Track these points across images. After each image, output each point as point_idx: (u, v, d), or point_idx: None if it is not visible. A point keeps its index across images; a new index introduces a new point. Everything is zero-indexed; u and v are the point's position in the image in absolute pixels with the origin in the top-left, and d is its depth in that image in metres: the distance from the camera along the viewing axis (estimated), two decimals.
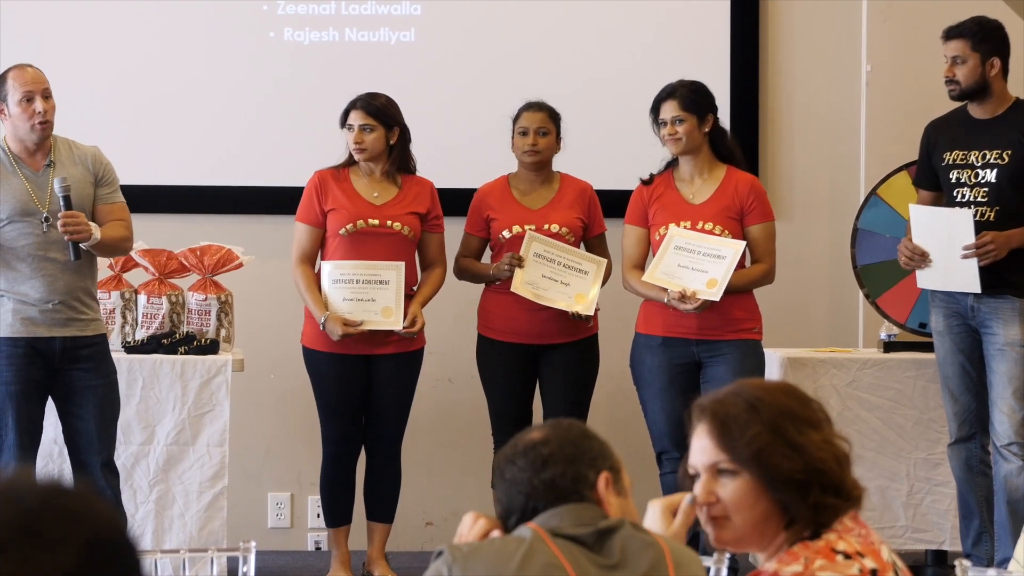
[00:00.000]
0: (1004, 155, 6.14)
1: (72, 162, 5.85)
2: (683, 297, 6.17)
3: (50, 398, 5.87)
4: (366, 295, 6.29)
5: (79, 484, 1.52)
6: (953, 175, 6.22)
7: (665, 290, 6.22)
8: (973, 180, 6.18)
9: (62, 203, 5.71)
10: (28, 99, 5.77)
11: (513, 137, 6.54)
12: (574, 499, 2.69)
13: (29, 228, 5.76)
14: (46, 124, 5.79)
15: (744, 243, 6.28)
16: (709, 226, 6.29)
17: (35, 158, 5.84)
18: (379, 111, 6.35)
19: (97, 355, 5.86)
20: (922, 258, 6.17)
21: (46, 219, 5.75)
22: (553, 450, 2.71)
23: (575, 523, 2.67)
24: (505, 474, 2.73)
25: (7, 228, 5.76)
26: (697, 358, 6.29)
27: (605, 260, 6.46)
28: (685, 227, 6.29)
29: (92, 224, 5.74)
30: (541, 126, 6.50)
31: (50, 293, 5.75)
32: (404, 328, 6.29)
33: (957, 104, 6.29)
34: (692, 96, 6.32)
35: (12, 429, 5.74)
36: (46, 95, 5.81)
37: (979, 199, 6.15)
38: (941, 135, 6.30)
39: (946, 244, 6.10)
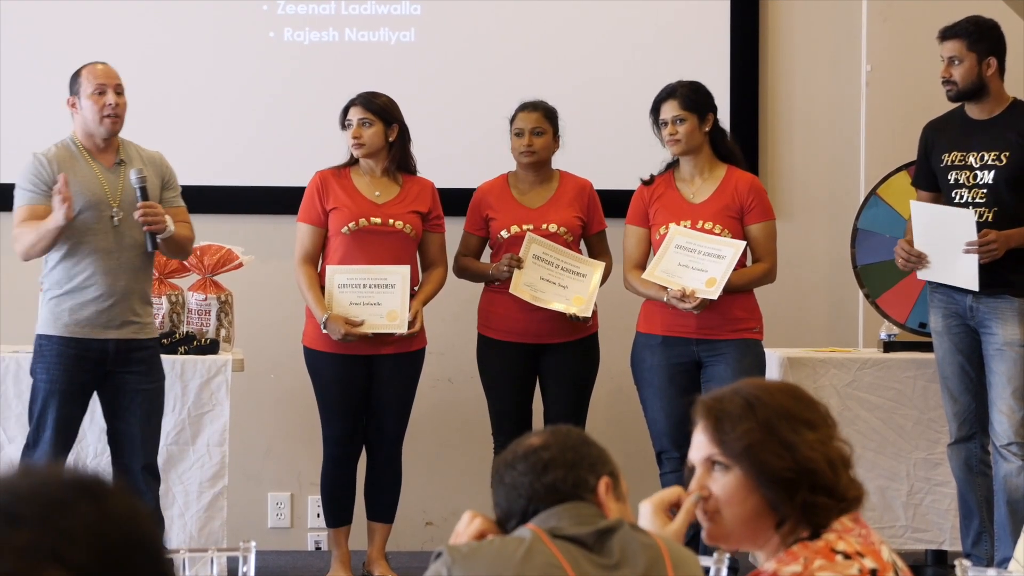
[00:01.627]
0: (1002, 156, 6.14)
1: (141, 163, 5.89)
2: (683, 296, 6.18)
3: (97, 399, 5.88)
4: (372, 299, 6.29)
5: (118, 483, 1.50)
6: (951, 176, 6.21)
7: (665, 289, 6.22)
8: (971, 181, 6.17)
9: (138, 194, 5.75)
10: (100, 92, 5.81)
11: (511, 137, 6.55)
12: (574, 501, 2.70)
13: (97, 222, 5.76)
14: (116, 119, 5.83)
15: (744, 243, 6.28)
16: (709, 225, 6.29)
17: (105, 155, 5.87)
18: (378, 107, 6.35)
19: (150, 359, 5.88)
20: (919, 259, 6.17)
21: (114, 214, 5.76)
22: (554, 455, 2.72)
23: (574, 523, 2.67)
24: (504, 479, 2.74)
25: (76, 219, 5.74)
26: (697, 357, 6.29)
27: (603, 264, 6.46)
28: (685, 226, 6.29)
29: (167, 216, 5.78)
30: (536, 126, 6.50)
31: (111, 293, 5.77)
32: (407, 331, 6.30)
33: (956, 104, 6.30)
34: (692, 96, 6.32)
35: (50, 427, 5.74)
36: (119, 90, 5.86)
37: (977, 200, 6.15)
38: (939, 136, 6.30)
39: (947, 241, 6.10)
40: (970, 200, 6.15)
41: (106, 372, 5.79)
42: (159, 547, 1.50)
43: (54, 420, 5.75)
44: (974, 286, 6.05)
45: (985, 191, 6.14)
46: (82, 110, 5.83)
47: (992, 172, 6.14)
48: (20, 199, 5.81)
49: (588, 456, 2.74)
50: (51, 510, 1.43)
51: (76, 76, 5.88)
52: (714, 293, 6.17)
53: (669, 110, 6.31)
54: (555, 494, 2.70)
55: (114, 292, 5.77)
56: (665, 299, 6.22)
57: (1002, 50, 6.20)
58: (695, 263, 6.22)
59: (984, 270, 6.03)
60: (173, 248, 5.93)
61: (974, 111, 6.24)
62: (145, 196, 5.75)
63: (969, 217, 6.05)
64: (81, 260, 5.76)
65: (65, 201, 5.59)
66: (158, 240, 5.77)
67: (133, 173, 5.76)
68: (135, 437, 5.82)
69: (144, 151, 5.94)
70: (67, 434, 5.81)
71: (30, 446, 5.80)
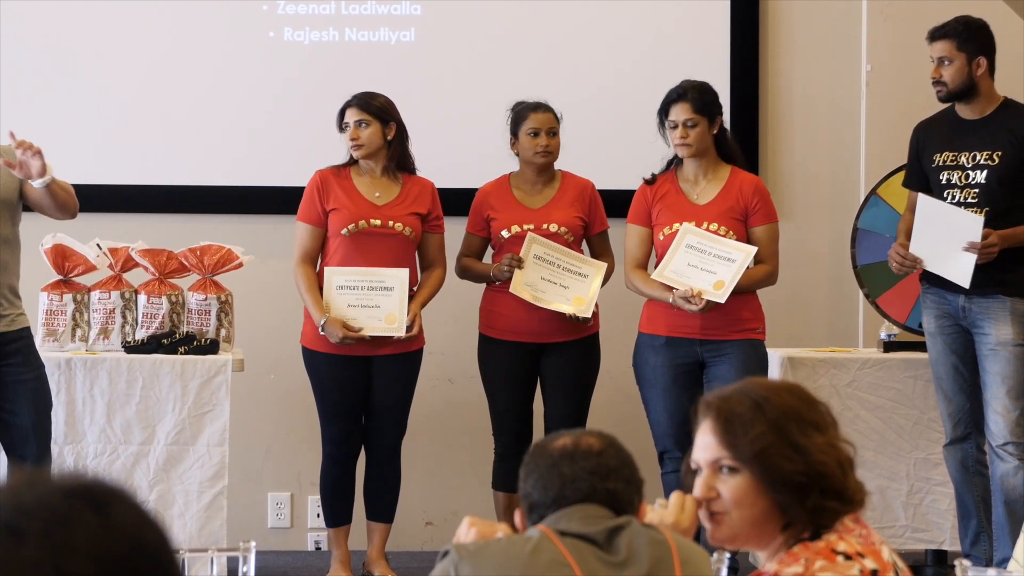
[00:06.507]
0: (994, 156, 6.13)
1: None
2: (689, 297, 6.16)
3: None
4: (370, 301, 6.28)
5: (123, 490, 1.48)
6: (943, 176, 6.21)
7: (670, 289, 6.21)
8: (963, 181, 6.17)
9: None
10: None
11: (518, 138, 6.52)
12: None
13: None
14: None
15: (755, 249, 6.26)
16: (714, 227, 6.27)
17: None
18: (373, 107, 6.34)
19: (24, 349, 5.77)
20: (914, 263, 6.17)
21: None
22: (616, 464, 2.80)
23: (584, 522, 2.69)
24: (562, 467, 2.77)
25: None
26: (701, 358, 6.28)
27: (605, 264, 6.45)
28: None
29: (48, 164, 5.55)
30: (552, 127, 6.51)
31: None
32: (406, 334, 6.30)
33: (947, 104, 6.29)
34: (703, 98, 6.29)
35: None
36: None
37: (969, 200, 6.14)
38: (930, 136, 6.29)
39: (947, 237, 6.09)
40: (962, 200, 6.15)
41: None
42: (166, 554, 1.47)
43: None
44: (965, 284, 6.04)
45: (977, 191, 6.14)
46: None
47: (985, 171, 6.13)
48: None
49: (636, 477, 2.83)
50: (54, 523, 1.41)
51: None
52: (721, 297, 6.15)
53: (681, 113, 6.27)
54: (613, 503, 2.75)
55: None
56: (671, 300, 6.21)
57: (991, 49, 6.19)
58: (705, 264, 6.21)
59: (976, 270, 6.02)
60: (57, 195, 5.64)
61: (965, 111, 6.23)
62: None
63: (977, 222, 6.02)
64: None
65: None
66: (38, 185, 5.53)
67: None
68: (26, 428, 5.72)
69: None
70: None
71: None
